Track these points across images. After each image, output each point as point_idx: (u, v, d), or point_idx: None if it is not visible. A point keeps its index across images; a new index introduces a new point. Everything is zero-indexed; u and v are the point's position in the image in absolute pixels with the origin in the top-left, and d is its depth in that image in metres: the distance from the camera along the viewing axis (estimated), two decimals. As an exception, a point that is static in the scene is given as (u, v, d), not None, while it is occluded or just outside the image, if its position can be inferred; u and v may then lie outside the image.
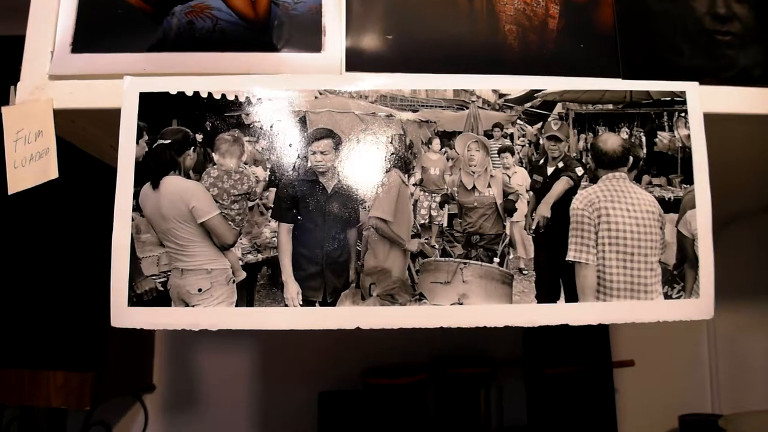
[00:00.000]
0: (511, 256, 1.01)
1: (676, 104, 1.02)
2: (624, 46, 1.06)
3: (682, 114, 1.02)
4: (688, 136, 1.01)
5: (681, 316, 0.99)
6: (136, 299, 0.92)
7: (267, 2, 1.03)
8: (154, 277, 0.94)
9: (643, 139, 1.04)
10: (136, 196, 0.94)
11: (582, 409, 2.00)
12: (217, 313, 0.94)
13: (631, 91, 1.03)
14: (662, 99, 1.03)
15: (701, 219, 1.00)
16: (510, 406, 2.18)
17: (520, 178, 1.03)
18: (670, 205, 1.02)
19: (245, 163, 0.98)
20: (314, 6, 1.03)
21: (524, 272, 0.99)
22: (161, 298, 0.94)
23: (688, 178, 1.00)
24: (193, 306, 0.94)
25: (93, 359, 1.70)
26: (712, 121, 1.02)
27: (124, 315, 0.92)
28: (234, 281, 0.97)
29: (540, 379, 2.02)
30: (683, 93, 1.02)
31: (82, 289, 1.71)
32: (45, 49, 1.01)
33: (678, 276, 1.00)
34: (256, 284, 0.98)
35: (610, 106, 1.03)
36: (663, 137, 1.04)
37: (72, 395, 1.69)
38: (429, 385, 2.03)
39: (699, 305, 0.99)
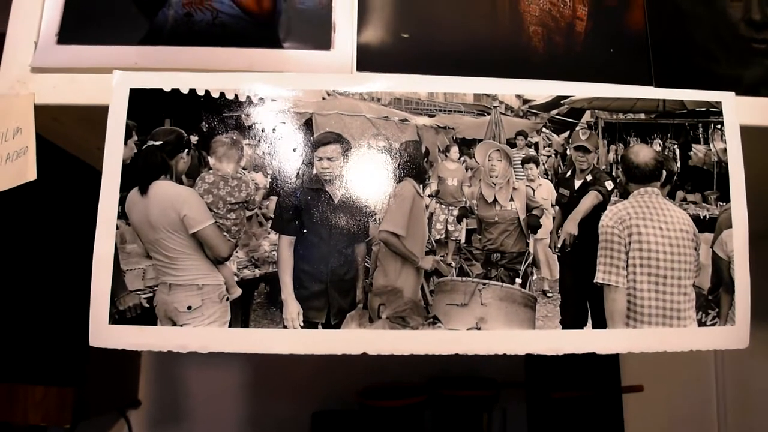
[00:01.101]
0: (535, 277, 0.94)
1: (711, 115, 0.96)
2: (656, 51, 0.99)
3: (718, 126, 0.95)
4: (725, 150, 0.95)
5: (716, 345, 0.93)
6: (118, 316, 0.84)
7: (272, -6, 0.96)
8: (139, 293, 0.87)
9: (677, 151, 0.98)
10: (122, 202, 0.87)
11: (588, 435, 1.93)
12: (208, 333, 0.86)
13: (664, 100, 0.97)
14: (697, 109, 0.97)
15: (738, 239, 0.94)
16: (513, 430, 2.12)
17: (546, 192, 0.97)
18: (705, 224, 0.95)
19: (244, 169, 0.92)
20: (324, 0, 0.96)
21: (548, 295, 0.92)
22: (146, 315, 0.86)
23: (724, 195, 0.94)
24: (181, 325, 0.86)
25: (74, 373, 1.64)
26: (749, 134, 0.96)
27: (104, 333, 0.84)
28: (228, 298, 0.90)
29: (545, 404, 1.97)
30: (719, 103, 0.96)
31: (63, 299, 1.63)
32: (28, 39, 0.94)
33: (713, 301, 0.94)
34: (253, 302, 0.92)
35: (642, 116, 0.97)
36: (698, 150, 0.97)
37: (51, 412, 1.63)
38: (428, 407, 1.97)
39: (735, 333, 0.93)
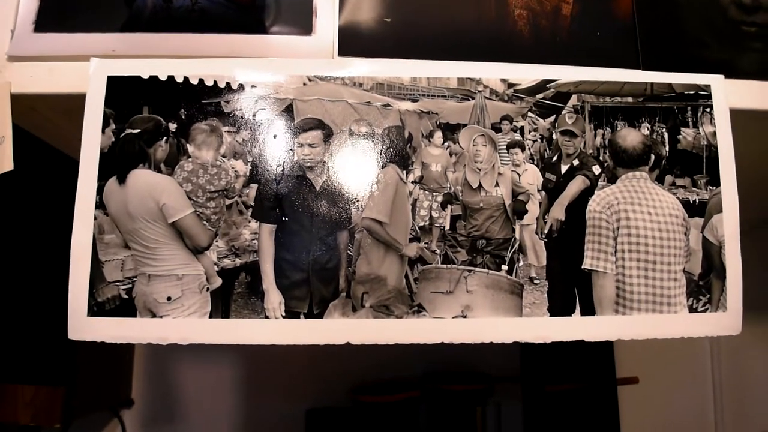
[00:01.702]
0: (521, 264, 0.93)
1: (700, 98, 0.95)
2: (643, 34, 0.98)
3: (707, 109, 0.94)
4: (714, 133, 0.93)
5: (707, 331, 0.92)
6: (96, 308, 0.82)
7: (252, -21, 0.94)
8: (117, 284, 0.85)
9: (666, 135, 0.96)
10: (99, 191, 0.85)
11: (584, 428, 1.93)
12: (188, 325, 0.84)
13: (652, 84, 0.95)
14: (686, 92, 0.95)
15: (728, 224, 0.92)
16: (508, 424, 2.11)
17: (531, 177, 0.96)
18: (695, 209, 0.94)
19: (223, 156, 0.90)
20: (305, -16, 0.95)
21: (535, 281, 0.91)
22: (125, 307, 0.84)
23: (714, 179, 0.93)
24: (161, 317, 0.85)
25: (64, 372, 1.62)
26: (739, 117, 0.95)
27: (83, 326, 0.82)
28: (208, 289, 0.88)
29: (540, 397, 1.96)
30: (708, 86, 0.95)
31: (50, 295, 1.60)
32: (4, 28, 0.93)
33: (704, 287, 0.92)
34: (233, 292, 0.90)
35: (630, 99, 0.96)
36: (687, 134, 0.96)
37: (41, 411, 1.61)
38: (422, 402, 1.97)
39: (726, 320, 0.92)
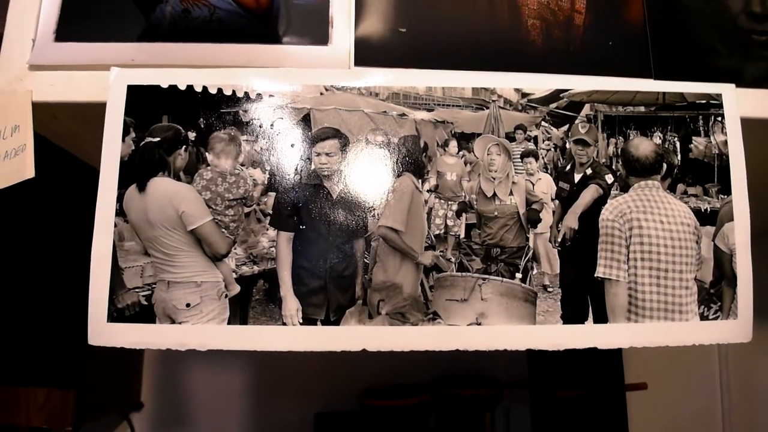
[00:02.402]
0: (535, 272, 0.93)
1: (711, 107, 0.95)
2: (655, 44, 0.98)
3: (719, 118, 0.94)
4: (725, 142, 0.94)
5: (718, 339, 0.92)
6: (116, 314, 0.83)
7: (269, -10, 0.95)
8: (137, 290, 0.86)
9: (678, 144, 0.97)
10: (119, 199, 0.86)
11: (592, 433, 1.91)
12: (206, 331, 0.85)
13: (664, 93, 0.96)
14: (697, 102, 0.96)
15: (739, 233, 0.92)
16: (517, 429, 2.12)
17: (545, 186, 0.96)
18: (706, 217, 0.94)
19: (242, 165, 0.91)
20: (321, -5, 0.96)
21: (549, 289, 0.91)
22: (145, 313, 0.85)
23: (726, 188, 0.93)
24: (180, 323, 0.86)
25: (76, 376, 1.63)
26: (750, 126, 0.95)
27: (102, 332, 0.83)
28: (226, 295, 0.89)
29: (548, 402, 1.95)
30: (719, 96, 0.95)
31: (64, 299, 1.62)
32: (26, 37, 0.94)
33: (715, 295, 0.93)
34: (251, 299, 0.91)
35: (642, 109, 0.96)
36: (698, 143, 0.96)
37: (54, 414, 1.62)
38: (431, 406, 1.97)
39: (737, 327, 0.92)
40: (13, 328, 1.63)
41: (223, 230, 0.89)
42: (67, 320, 1.61)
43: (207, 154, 0.90)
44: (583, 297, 0.91)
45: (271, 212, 0.90)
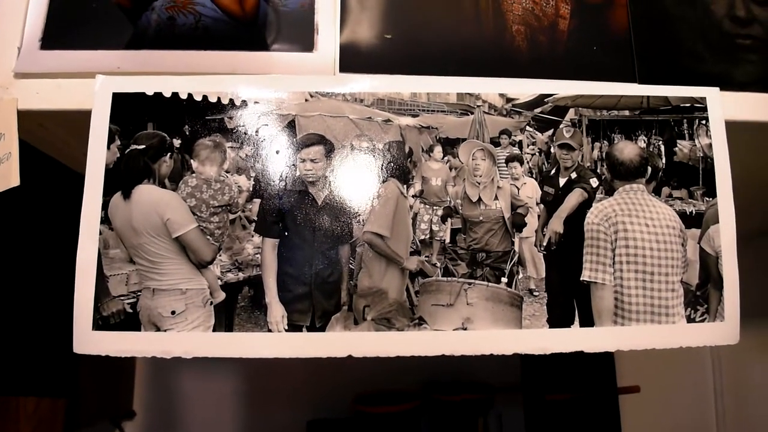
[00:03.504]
0: (521, 276, 0.93)
1: (696, 111, 0.95)
2: (639, 48, 0.99)
3: (703, 121, 0.95)
4: (710, 146, 0.94)
5: (705, 341, 0.92)
6: (101, 322, 0.83)
7: (255, -3, 0.96)
8: (122, 298, 0.86)
9: (662, 148, 0.97)
10: (105, 206, 0.86)
11: (585, 437, 1.91)
12: (192, 338, 0.85)
13: (648, 97, 0.96)
14: (681, 105, 0.96)
15: (725, 235, 0.93)
16: (510, 434, 2.10)
17: (530, 190, 0.96)
18: (692, 220, 0.95)
19: (227, 172, 0.91)
20: (306, 2, 0.96)
21: (535, 293, 0.91)
22: (130, 321, 0.85)
23: (711, 191, 0.93)
24: (165, 330, 0.85)
25: (65, 384, 1.63)
26: (734, 129, 0.95)
27: (88, 340, 0.83)
28: (212, 303, 0.88)
29: (541, 406, 1.95)
30: (703, 99, 0.96)
31: (53, 308, 1.61)
32: (11, 45, 0.94)
33: (701, 297, 0.93)
34: (237, 306, 0.91)
35: (627, 113, 0.97)
36: (683, 146, 0.96)
37: (43, 423, 1.62)
38: (423, 412, 1.97)
39: (724, 329, 0.92)
40: (2, 337, 1.62)
41: (208, 237, 0.89)
42: (55, 329, 1.59)
43: (192, 161, 0.90)
44: (569, 301, 0.91)
45: (256, 219, 0.90)
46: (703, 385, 2.27)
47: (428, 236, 0.97)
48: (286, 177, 0.89)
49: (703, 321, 0.92)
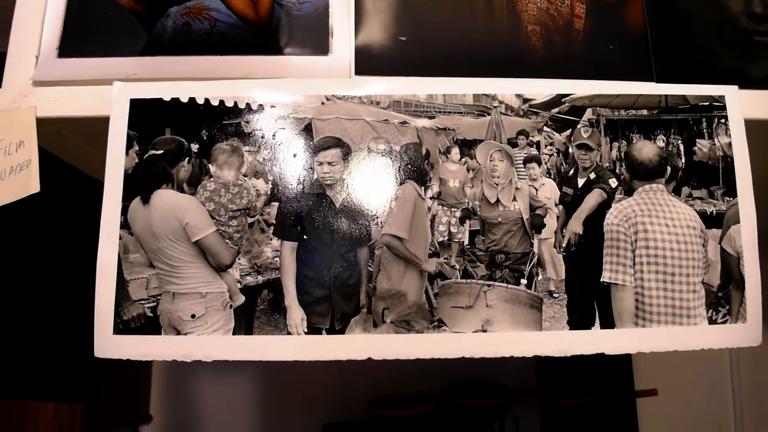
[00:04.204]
0: (540, 277, 0.92)
1: (715, 109, 0.94)
2: (656, 47, 0.98)
3: (722, 120, 0.94)
4: (730, 144, 0.93)
5: (727, 343, 0.91)
6: (122, 326, 0.83)
7: (269, 2, 0.96)
8: (142, 302, 0.86)
9: (681, 147, 0.96)
10: (124, 211, 0.86)
11: (603, 441, 1.89)
12: (212, 342, 0.85)
13: (666, 96, 0.95)
14: (700, 104, 0.95)
15: (746, 235, 0.91)
16: (526, 438, 2.08)
17: (549, 191, 0.96)
18: (712, 220, 0.93)
19: (245, 176, 0.91)
20: (321, 6, 0.96)
21: (555, 295, 0.90)
22: (150, 325, 0.86)
23: (731, 190, 0.92)
24: (185, 334, 0.86)
25: (85, 389, 1.64)
26: (753, 127, 0.94)
27: (108, 344, 0.83)
28: (231, 306, 0.89)
29: (558, 410, 1.93)
30: (722, 97, 0.95)
31: (73, 313, 1.62)
32: (29, 53, 0.95)
33: (723, 298, 0.92)
34: (256, 309, 0.90)
35: (645, 112, 0.96)
36: (702, 145, 0.95)
37: (63, 428, 1.62)
38: (440, 416, 1.96)
39: (746, 331, 0.91)
40: (23, 342, 1.64)
41: (227, 241, 0.90)
42: (75, 334, 1.61)
43: (210, 165, 0.90)
44: (590, 302, 0.90)
45: (274, 222, 0.90)
46: (721, 387, 2.23)
47: (447, 238, 0.97)
48: (304, 180, 0.89)
49: (725, 322, 0.91)
